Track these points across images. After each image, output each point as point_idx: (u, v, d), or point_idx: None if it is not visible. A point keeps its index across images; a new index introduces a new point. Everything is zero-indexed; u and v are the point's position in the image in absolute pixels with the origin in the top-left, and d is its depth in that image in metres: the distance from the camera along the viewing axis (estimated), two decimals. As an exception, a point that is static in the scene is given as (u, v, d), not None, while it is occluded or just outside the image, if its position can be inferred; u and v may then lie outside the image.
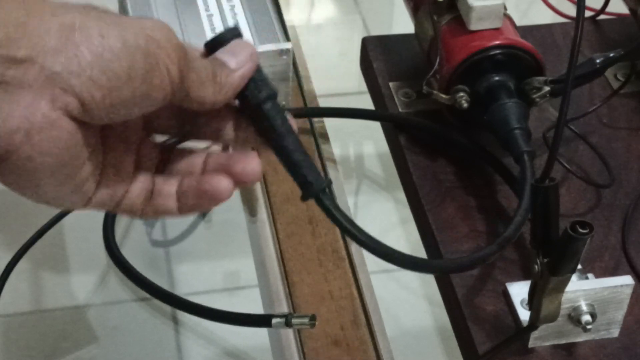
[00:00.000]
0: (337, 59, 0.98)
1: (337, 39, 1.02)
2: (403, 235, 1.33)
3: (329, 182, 0.48)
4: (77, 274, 1.22)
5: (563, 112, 0.55)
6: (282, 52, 0.72)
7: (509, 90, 0.68)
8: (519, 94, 0.68)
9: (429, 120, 0.73)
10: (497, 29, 0.69)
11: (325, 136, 0.78)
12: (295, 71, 0.83)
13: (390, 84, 0.77)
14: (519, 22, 0.73)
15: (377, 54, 0.80)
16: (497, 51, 0.68)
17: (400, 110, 0.75)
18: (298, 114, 0.77)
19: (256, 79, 0.45)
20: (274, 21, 0.75)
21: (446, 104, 0.69)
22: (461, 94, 0.68)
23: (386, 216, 1.31)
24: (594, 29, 0.84)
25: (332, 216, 0.48)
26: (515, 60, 0.69)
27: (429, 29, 0.72)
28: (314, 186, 0.48)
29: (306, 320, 0.60)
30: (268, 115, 0.46)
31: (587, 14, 0.81)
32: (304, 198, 0.49)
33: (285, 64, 0.72)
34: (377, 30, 0.96)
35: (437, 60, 0.70)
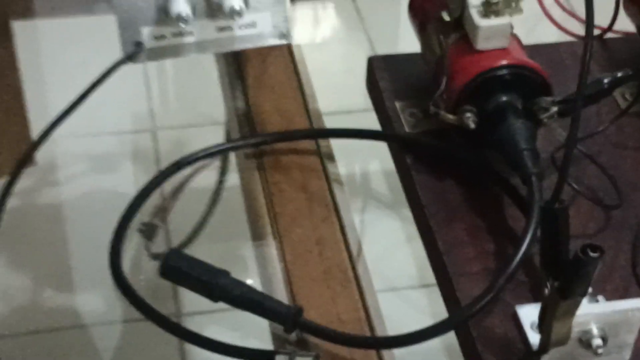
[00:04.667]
0: (343, 76, 0.98)
1: (342, 56, 1.02)
2: (410, 253, 1.32)
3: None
4: (81, 292, 1.22)
5: (573, 135, 0.55)
6: None
7: (516, 110, 0.68)
8: (526, 113, 0.68)
9: (436, 140, 0.73)
10: (504, 49, 0.69)
11: (331, 156, 0.77)
12: (301, 89, 0.82)
13: (397, 103, 0.77)
14: (525, 41, 0.73)
15: (382, 73, 0.79)
16: (504, 71, 0.68)
17: (406, 130, 0.75)
18: (304, 135, 0.77)
19: None
20: None
21: (453, 124, 0.69)
22: (468, 114, 0.68)
23: (393, 234, 1.30)
24: (601, 48, 0.83)
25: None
26: (523, 80, 0.68)
27: (436, 48, 0.72)
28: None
29: (310, 359, 0.60)
30: None
31: (594, 32, 0.80)
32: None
33: None
34: (382, 47, 0.96)
35: (444, 80, 0.70)
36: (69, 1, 0.93)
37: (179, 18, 0.67)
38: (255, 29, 0.70)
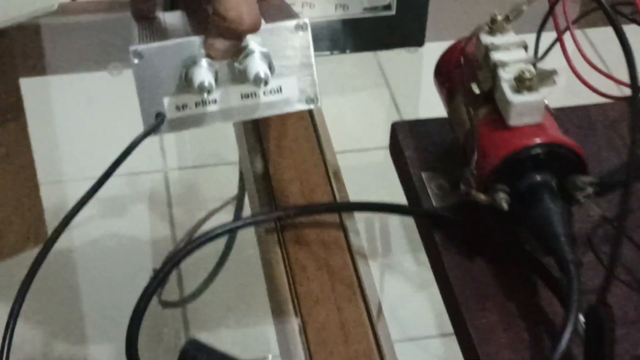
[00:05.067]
0: (363, 132, 0.95)
1: (363, 111, 0.99)
2: (426, 300, 1.29)
3: None
4: (92, 347, 1.19)
5: (621, 229, 0.52)
6: (298, 27, 0.64)
7: (551, 190, 0.65)
8: (561, 191, 0.65)
9: (465, 216, 0.70)
10: (537, 125, 0.66)
11: (355, 229, 0.74)
12: (322, 156, 0.79)
13: (423, 174, 0.74)
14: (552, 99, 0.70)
15: (407, 140, 0.76)
16: (539, 151, 0.64)
17: (434, 203, 0.72)
18: (327, 209, 0.74)
19: None
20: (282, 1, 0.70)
21: (485, 204, 0.66)
22: (500, 194, 0.65)
23: (408, 279, 1.27)
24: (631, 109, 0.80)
25: None
26: (558, 157, 0.65)
27: (465, 120, 0.69)
28: None
29: None
30: None
31: (625, 91, 0.77)
32: None
33: (305, 42, 0.65)
34: (405, 102, 0.93)
35: (474, 157, 0.66)
36: (81, 58, 0.90)
37: (202, 87, 0.63)
38: (281, 94, 0.67)
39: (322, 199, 0.76)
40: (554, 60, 0.92)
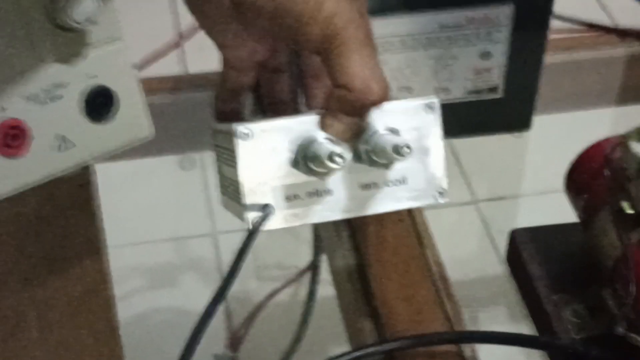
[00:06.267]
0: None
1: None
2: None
3: None
4: None
5: None
6: (427, 107, 0.56)
7: None
8: None
9: (615, 352, 0.60)
10: None
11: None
12: (429, 270, 0.69)
13: (554, 297, 0.64)
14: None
15: (531, 252, 0.66)
16: None
17: (573, 334, 0.62)
18: (446, 339, 0.64)
19: None
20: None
21: (646, 349, 0.56)
22: (667, 338, 0.55)
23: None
24: None
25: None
26: None
27: (614, 243, 0.59)
28: None
29: None
30: None
31: None
32: None
33: (434, 124, 0.56)
34: (481, 192, 0.83)
35: (631, 291, 0.56)
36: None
37: (332, 156, 0.52)
38: (405, 185, 0.56)
39: (434, 321, 0.66)
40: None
